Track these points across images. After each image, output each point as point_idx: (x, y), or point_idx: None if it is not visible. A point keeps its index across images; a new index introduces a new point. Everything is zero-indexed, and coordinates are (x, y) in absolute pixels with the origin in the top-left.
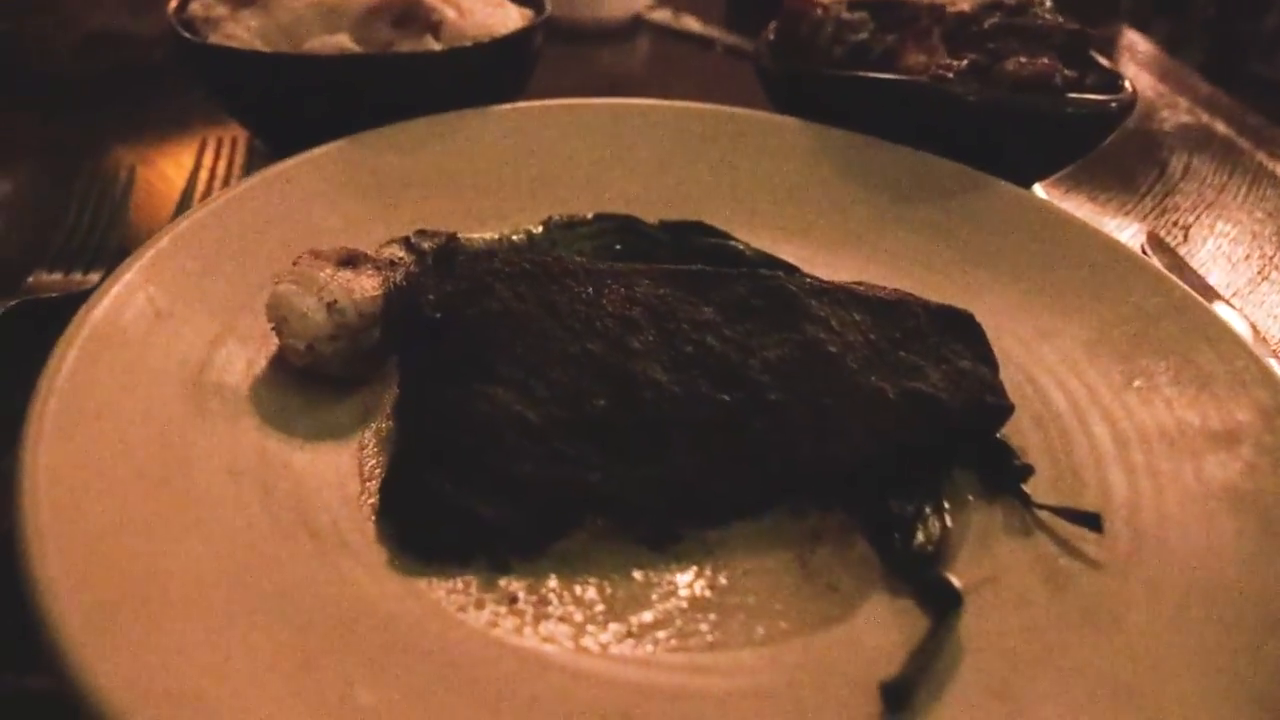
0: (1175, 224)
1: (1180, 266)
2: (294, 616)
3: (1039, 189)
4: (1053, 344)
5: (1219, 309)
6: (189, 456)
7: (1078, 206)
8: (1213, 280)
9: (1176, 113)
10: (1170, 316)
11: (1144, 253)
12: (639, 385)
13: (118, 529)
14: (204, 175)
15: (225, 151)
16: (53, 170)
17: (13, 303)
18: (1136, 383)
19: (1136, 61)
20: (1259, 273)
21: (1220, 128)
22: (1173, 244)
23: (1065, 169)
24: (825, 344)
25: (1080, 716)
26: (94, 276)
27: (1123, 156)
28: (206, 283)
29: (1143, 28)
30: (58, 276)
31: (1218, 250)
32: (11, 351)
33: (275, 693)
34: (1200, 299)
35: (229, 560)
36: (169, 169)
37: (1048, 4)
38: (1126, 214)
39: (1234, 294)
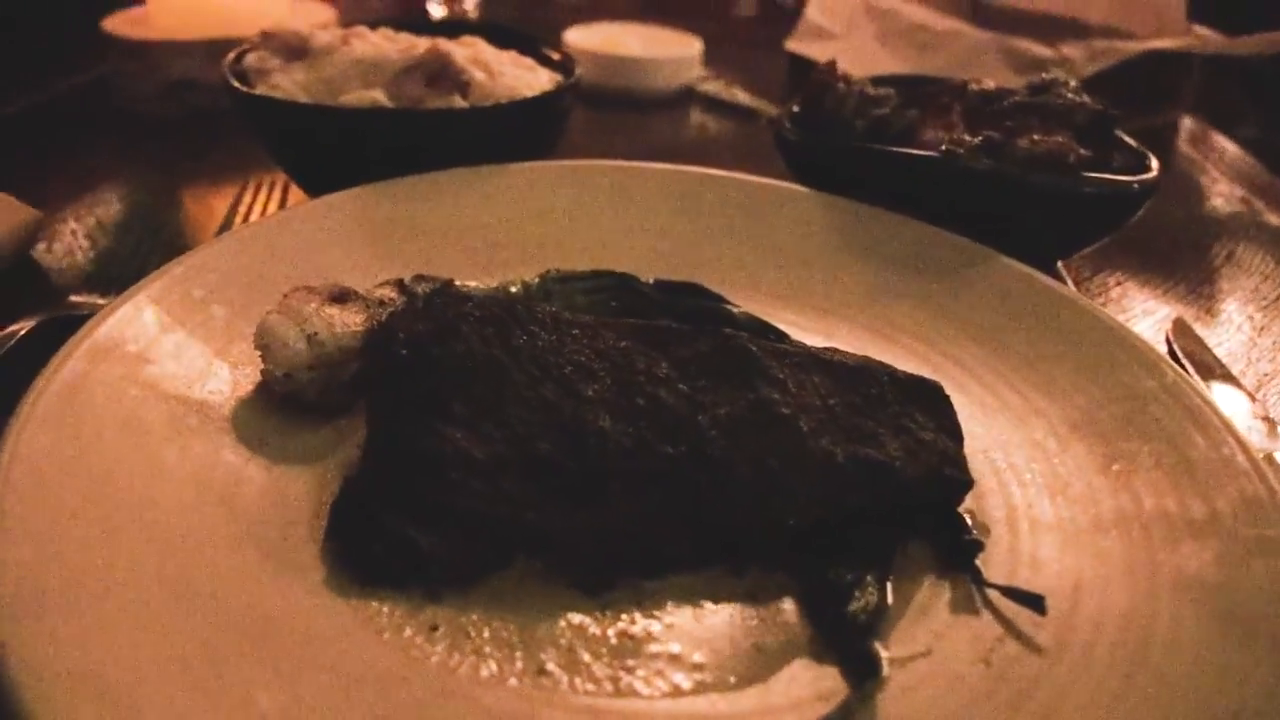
0: (1207, 311)
1: (1202, 352)
2: (218, 619)
3: (1062, 268)
4: (1038, 421)
5: (1229, 394)
6: (158, 464)
7: (1104, 287)
8: (1237, 370)
9: (1229, 201)
10: (1160, 400)
11: (1168, 339)
12: (586, 432)
13: (72, 519)
14: (242, 211)
15: (265, 193)
16: (117, 202)
17: (46, 317)
18: (1116, 466)
19: (1195, 148)
20: None
21: (1274, 220)
22: (1200, 331)
23: (1087, 248)
24: (778, 405)
25: None
26: None
27: (1160, 239)
28: (210, 309)
29: (1235, 122)
30: (95, 297)
31: (1248, 341)
32: (41, 364)
33: (178, 686)
34: (1194, 384)
35: (170, 560)
36: (217, 204)
37: (1072, 84)
38: (1157, 297)
39: (1258, 387)
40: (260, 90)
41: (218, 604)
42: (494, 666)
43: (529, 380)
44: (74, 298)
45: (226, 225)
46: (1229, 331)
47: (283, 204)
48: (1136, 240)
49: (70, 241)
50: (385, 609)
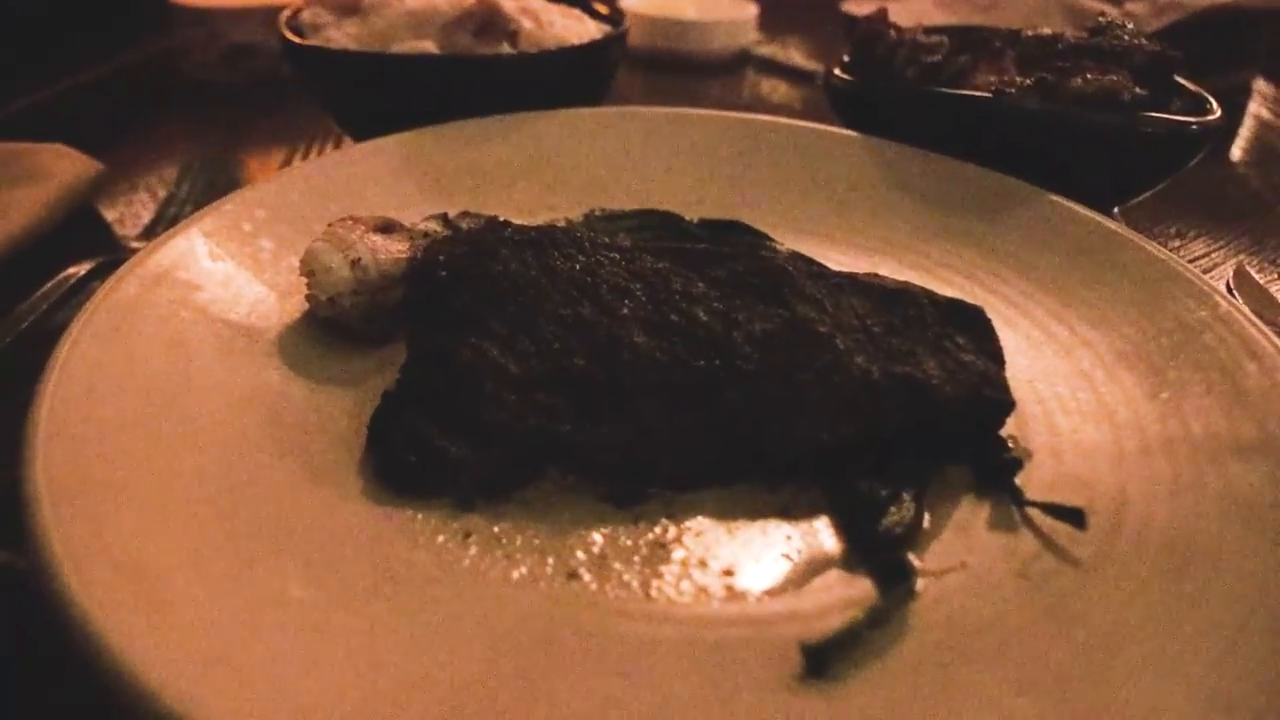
0: (1271, 263)
1: (1265, 299)
2: (255, 518)
3: (1119, 216)
4: (1085, 352)
5: None
6: (204, 380)
7: (1165, 237)
8: None
9: None
10: (1212, 330)
11: (1228, 286)
12: (619, 347)
13: (118, 424)
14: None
15: (319, 147)
16: (178, 160)
17: (105, 260)
18: (1164, 394)
19: (1268, 106)
20: None
21: None
22: (1264, 280)
23: (1146, 192)
24: (815, 323)
25: (1013, 699)
26: None
27: (1228, 190)
28: (258, 242)
29: None
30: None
31: None
32: None
33: (212, 574)
34: (1247, 313)
35: (211, 464)
36: (272, 160)
37: (1129, 26)
38: (1219, 248)
39: None
40: (314, 43)
41: (255, 505)
42: (525, 570)
43: (565, 299)
44: (133, 245)
45: None
46: None
47: None
48: (1199, 194)
49: (132, 195)
50: (420, 517)
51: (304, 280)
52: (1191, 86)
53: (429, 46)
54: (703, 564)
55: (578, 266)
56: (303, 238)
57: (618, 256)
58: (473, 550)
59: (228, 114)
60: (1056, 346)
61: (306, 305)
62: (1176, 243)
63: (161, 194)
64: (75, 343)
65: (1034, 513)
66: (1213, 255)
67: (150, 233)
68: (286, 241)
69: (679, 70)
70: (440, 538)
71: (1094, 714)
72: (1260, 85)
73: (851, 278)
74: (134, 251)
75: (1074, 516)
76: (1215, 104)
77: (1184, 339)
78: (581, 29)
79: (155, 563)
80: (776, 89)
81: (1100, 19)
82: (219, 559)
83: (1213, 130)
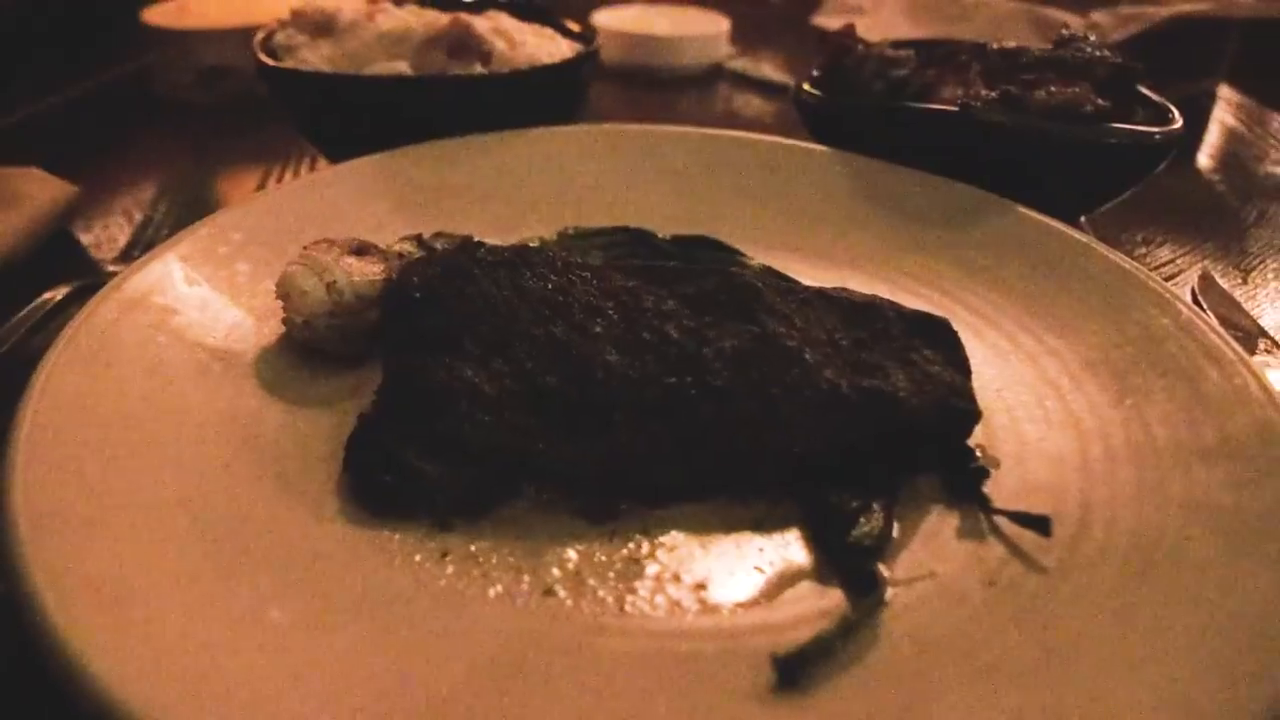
0: (1236, 267)
1: (1229, 304)
2: (234, 541)
3: (1086, 226)
4: (1051, 361)
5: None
6: (181, 404)
7: (1131, 245)
8: (1265, 323)
9: (1264, 164)
10: (1174, 338)
11: (1194, 292)
12: (592, 365)
13: (96, 448)
14: (272, 184)
15: (294, 168)
16: (154, 182)
17: (81, 284)
18: (1129, 400)
19: (1232, 113)
20: None
21: None
22: (1228, 286)
23: (1111, 202)
24: (783, 338)
25: (983, 704)
26: None
27: (1193, 199)
28: (235, 265)
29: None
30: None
31: (1277, 294)
32: None
33: (192, 597)
34: (1208, 320)
35: (189, 487)
36: (248, 182)
37: (1092, 38)
38: (1184, 254)
39: None
40: (289, 65)
41: (233, 528)
42: (501, 588)
43: (538, 319)
44: (110, 268)
45: None
46: (1257, 286)
47: None
48: (1164, 201)
49: (108, 218)
50: (396, 537)
51: (280, 303)
52: (1154, 97)
53: (403, 67)
54: (676, 578)
55: (550, 286)
56: (278, 261)
57: (589, 275)
58: (450, 569)
59: (202, 136)
60: (1023, 356)
61: (283, 328)
62: (1142, 250)
63: (137, 217)
64: (53, 368)
65: (1001, 521)
66: (1178, 262)
67: (127, 256)
68: (262, 264)
69: (652, 85)
70: (417, 557)
71: (1062, 717)
72: (1225, 92)
73: (820, 292)
74: (111, 275)
75: (1040, 524)
76: (1177, 114)
77: (1147, 346)
78: (553, 48)
79: (134, 587)
80: (749, 103)
81: (1064, 31)
82: (198, 583)
83: (1175, 139)
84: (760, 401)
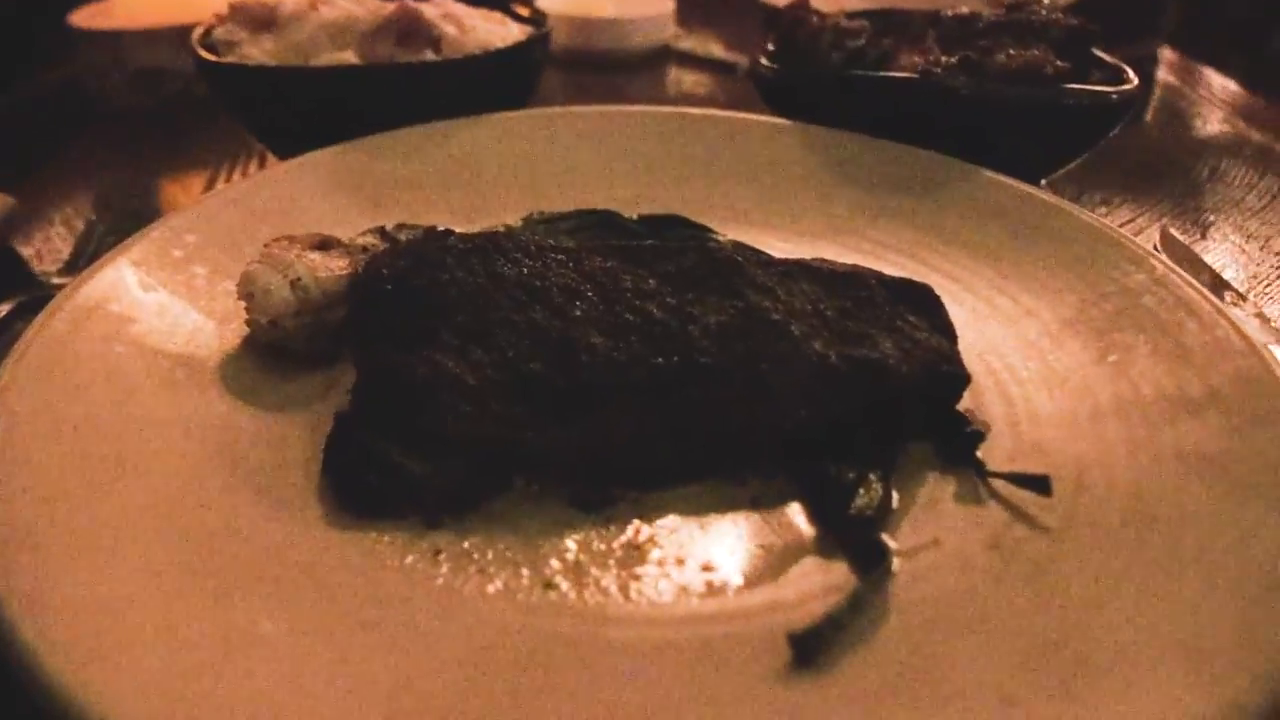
0: (1194, 223)
1: (1191, 260)
2: (216, 555)
3: (1045, 186)
4: (1030, 322)
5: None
6: (148, 415)
7: (1090, 206)
8: (1228, 276)
9: (1211, 122)
10: (1151, 293)
11: (1156, 249)
12: (576, 349)
13: (64, 470)
14: (220, 186)
15: (242, 167)
16: (93, 189)
17: (26, 298)
18: (1112, 357)
19: (1174, 74)
20: (1278, 269)
21: (1256, 135)
22: (1188, 241)
23: (1071, 163)
24: (768, 311)
25: (1001, 674)
26: None
27: (1145, 159)
28: (191, 268)
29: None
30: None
31: (1236, 248)
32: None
33: (179, 616)
34: (1184, 275)
35: (164, 503)
36: (194, 184)
37: (1046, 1)
38: (1142, 213)
39: (1249, 290)
40: (231, 60)
41: (215, 541)
42: (500, 584)
43: (515, 305)
44: (55, 280)
45: None
46: (1216, 241)
47: None
48: (1120, 161)
49: (48, 229)
50: (386, 539)
51: (242, 305)
52: (1108, 58)
53: (350, 57)
54: (679, 562)
55: (525, 271)
56: (236, 261)
57: (565, 258)
58: (444, 568)
59: (141, 139)
60: (1001, 319)
61: (246, 330)
62: (1103, 210)
63: (79, 227)
64: (8, 385)
65: (998, 484)
66: (1138, 220)
67: (71, 267)
68: (220, 266)
69: (599, 68)
70: (409, 558)
71: (1080, 677)
72: (1166, 54)
73: (800, 263)
74: (57, 288)
75: (1039, 484)
76: (1132, 74)
77: (1125, 303)
78: (504, 32)
79: (117, 610)
80: (699, 82)
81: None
82: (183, 599)
83: (1132, 99)
84: (749, 377)
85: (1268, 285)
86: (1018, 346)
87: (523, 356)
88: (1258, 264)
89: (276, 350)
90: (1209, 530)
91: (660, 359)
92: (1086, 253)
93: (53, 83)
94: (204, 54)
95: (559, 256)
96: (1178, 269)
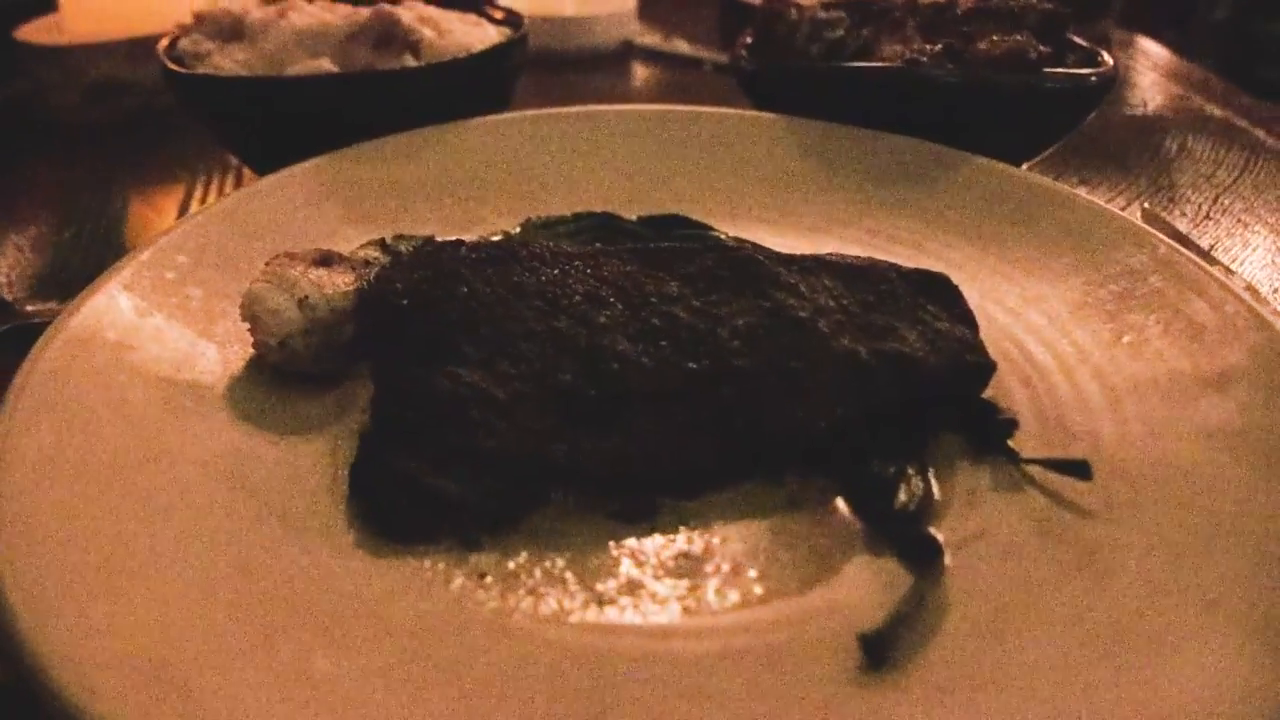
0: (1171, 200)
1: (1177, 237)
2: (256, 594)
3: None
4: (1039, 308)
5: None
6: (160, 449)
7: (1069, 184)
8: (1214, 251)
9: (1170, 98)
10: (1157, 272)
11: None
12: (605, 358)
13: (84, 514)
14: (195, 204)
15: (217, 181)
16: (58, 211)
17: (5, 327)
18: (1126, 338)
19: (1128, 53)
20: (1262, 240)
21: (1216, 110)
22: (1169, 218)
23: (1050, 148)
24: (794, 310)
25: (1070, 660)
26: None
27: (1116, 139)
28: (185, 290)
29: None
30: (52, 304)
31: (1215, 222)
32: (9, 373)
33: (229, 659)
34: (1186, 253)
35: (194, 542)
36: (164, 202)
37: None
38: (1120, 193)
39: (1234, 261)
40: (200, 72)
41: (250, 578)
42: (553, 604)
43: (538, 314)
44: (30, 308)
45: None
46: (1193, 217)
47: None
48: (1090, 143)
49: (16, 255)
50: (427, 564)
51: (245, 326)
52: (1081, 41)
53: (326, 65)
54: (733, 569)
55: (543, 279)
56: (232, 280)
57: (582, 265)
58: (494, 591)
59: (103, 156)
60: (1011, 305)
61: (251, 352)
62: (1083, 191)
63: (48, 249)
64: (9, 424)
65: (1032, 469)
66: (1117, 200)
67: (43, 291)
68: (215, 286)
69: (564, 67)
70: (456, 583)
71: (1150, 657)
72: (1118, 34)
73: (818, 259)
74: (30, 315)
75: (1079, 469)
76: (1106, 55)
77: (1131, 284)
78: (481, 34)
79: (165, 654)
80: (666, 78)
81: None
82: (230, 641)
83: (1110, 81)
84: (782, 377)
85: (1250, 256)
86: (1030, 332)
87: (551, 367)
88: (1234, 236)
89: (284, 372)
90: (1249, 505)
91: (692, 363)
92: (1087, 235)
93: (2, 100)
94: (173, 66)
95: (577, 263)
96: (1180, 248)
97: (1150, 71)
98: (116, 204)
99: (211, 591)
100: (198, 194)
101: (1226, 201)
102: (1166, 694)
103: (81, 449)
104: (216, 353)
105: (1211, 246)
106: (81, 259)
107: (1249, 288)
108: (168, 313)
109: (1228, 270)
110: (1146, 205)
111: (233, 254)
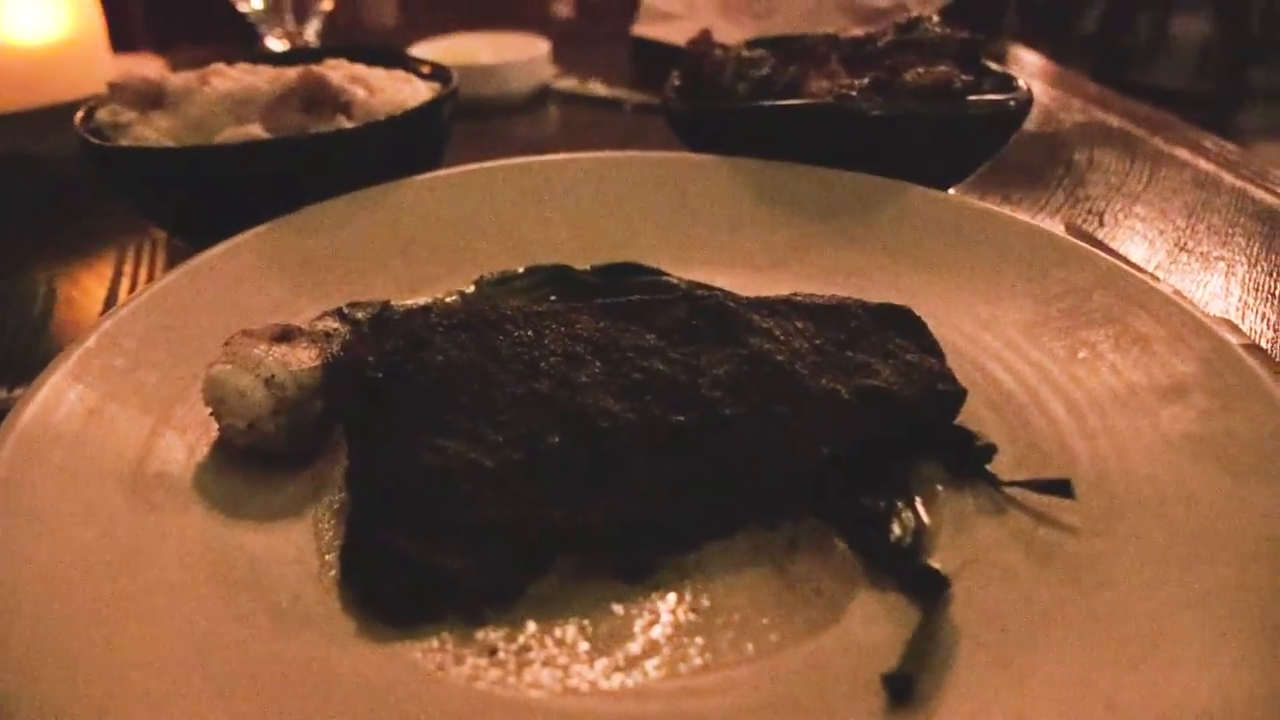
0: (1089, 212)
1: (1099, 248)
2: (260, 696)
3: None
4: (993, 332)
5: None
6: (135, 550)
7: (994, 204)
8: (1132, 258)
9: (1071, 113)
10: (1101, 288)
11: None
12: (591, 417)
13: (65, 628)
14: (125, 283)
15: (146, 257)
16: None
17: None
18: (1081, 354)
19: (1025, 72)
20: (1176, 245)
21: (1115, 121)
22: (1090, 230)
23: (975, 171)
24: (772, 354)
25: (1085, 674)
26: (20, 392)
27: (1029, 158)
28: (138, 376)
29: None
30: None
31: (1133, 231)
32: None
33: None
34: (1125, 267)
35: (188, 648)
36: (90, 282)
37: (935, 18)
38: (1041, 209)
39: (1155, 267)
40: (125, 144)
41: (251, 682)
42: (575, 676)
43: (517, 378)
44: None
45: (111, 299)
46: (1113, 227)
47: (169, 266)
48: (1005, 164)
49: None
50: (434, 645)
51: (207, 410)
52: (995, 66)
53: (256, 130)
54: (744, 620)
55: (519, 341)
56: (185, 362)
57: (556, 324)
58: (509, 667)
59: (18, 234)
60: (966, 331)
61: (216, 436)
62: (1009, 209)
63: None
64: None
65: (1014, 492)
66: (1040, 216)
67: None
68: (169, 370)
69: (482, 115)
70: (467, 662)
71: (1156, 662)
72: (1015, 50)
73: (786, 301)
74: None
75: (1061, 488)
76: (1021, 80)
77: (1078, 301)
78: (412, 90)
79: None
80: (586, 119)
81: (906, 16)
82: None
83: (1028, 104)
84: (768, 421)
85: (1171, 262)
86: (989, 356)
87: (538, 431)
88: (1152, 244)
89: (254, 454)
90: (1224, 509)
91: (679, 415)
92: (1029, 255)
93: None
94: (91, 139)
95: (550, 323)
96: (1118, 263)
97: (1051, 89)
98: (39, 287)
99: (206, 693)
100: (127, 271)
101: (1140, 210)
102: (1180, 698)
103: (49, 558)
104: (180, 440)
105: (1128, 252)
106: (6, 349)
107: (1176, 292)
108: (122, 401)
109: (1153, 277)
110: (1067, 219)
111: (183, 334)
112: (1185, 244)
